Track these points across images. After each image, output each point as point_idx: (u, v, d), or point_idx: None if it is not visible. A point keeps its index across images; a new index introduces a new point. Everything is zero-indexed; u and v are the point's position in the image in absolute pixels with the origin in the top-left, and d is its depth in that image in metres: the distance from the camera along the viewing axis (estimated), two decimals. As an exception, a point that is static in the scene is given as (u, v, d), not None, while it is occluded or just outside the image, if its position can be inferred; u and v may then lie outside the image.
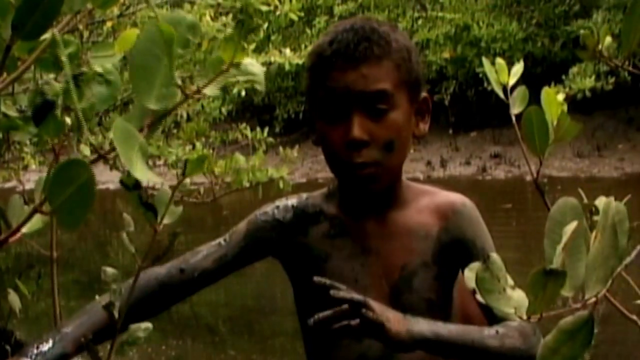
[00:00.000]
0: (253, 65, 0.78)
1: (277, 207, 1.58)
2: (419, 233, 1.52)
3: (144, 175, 0.69)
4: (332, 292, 1.31)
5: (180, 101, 0.77)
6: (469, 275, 0.66)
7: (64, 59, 0.71)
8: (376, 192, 1.47)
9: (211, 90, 0.76)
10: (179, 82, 0.76)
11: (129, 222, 0.96)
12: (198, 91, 0.76)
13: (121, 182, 0.80)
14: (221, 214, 10.58)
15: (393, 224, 1.53)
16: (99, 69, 0.90)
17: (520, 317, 0.63)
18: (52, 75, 1.03)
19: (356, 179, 1.45)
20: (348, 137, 1.42)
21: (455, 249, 1.51)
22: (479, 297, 0.64)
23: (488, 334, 1.39)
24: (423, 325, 1.34)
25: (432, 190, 1.57)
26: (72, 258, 8.84)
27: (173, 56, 0.75)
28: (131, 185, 0.80)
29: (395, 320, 1.31)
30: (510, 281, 0.63)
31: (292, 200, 1.58)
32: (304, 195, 1.61)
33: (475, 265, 0.65)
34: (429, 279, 1.51)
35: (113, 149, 0.72)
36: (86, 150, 1.11)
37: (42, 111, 0.93)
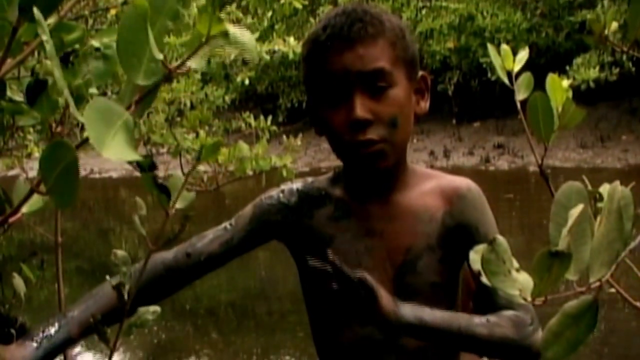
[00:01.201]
0: (243, 34, 0.76)
1: (283, 190, 1.59)
2: (423, 216, 1.52)
3: (117, 153, 0.68)
4: (329, 255, 1.32)
5: (165, 76, 0.75)
6: (474, 257, 0.66)
7: (44, 37, 0.70)
8: (383, 170, 1.47)
9: (196, 63, 0.74)
10: (162, 57, 0.74)
11: (141, 205, 0.96)
12: (181, 64, 0.75)
13: (137, 163, 0.79)
14: (224, 203, 10.58)
15: (397, 207, 1.53)
16: (96, 44, 0.89)
17: (525, 299, 0.63)
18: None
19: (363, 158, 1.45)
20: (351, 117, 1.42)
21: (459, 233, 1.51)
22: (484, 279, 0.64)
23: (477, 322, 1.39)
24: (408, 310, 1.34)
25: (437, 174, 1.57)
26: (75, 246, 8.85)
27: (159, 27, 0.74)
28: (146, 166, 0.80)
29: (387, 301, 1.32)
30: (516, 264, 0.63)
31: (297, 184, 1.59)
32: (310, 179, 1.61)
33: (481, 248, 0.65)
34: (433, 262, 1.51)
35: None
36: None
37: (35, 91, 0.93)
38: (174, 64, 0.76)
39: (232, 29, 0.77)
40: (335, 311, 1.51)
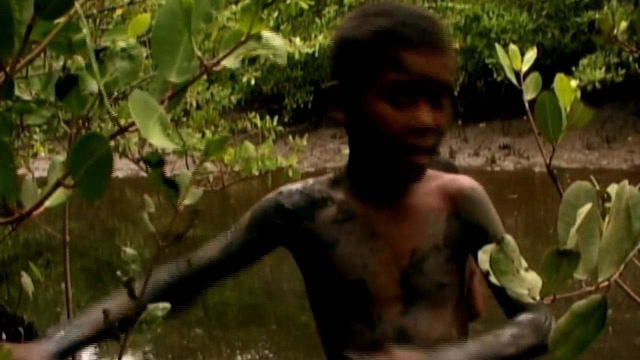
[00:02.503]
0: (274, 38, 0.78)
1: (281, 192, 1.56)
2: (428, 217, 1.51)
3: (161, 141, 0.70)
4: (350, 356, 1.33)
5: (201, 73, 0.77)
6: (483, 257, 0.66)
7: (85, 32, 0.71)
8: (420, 178, 1.46)
9: (231, 62, 0.76)
10: (200, 54, 0.76)
11: (150, 203, 0.96)
12: (217, 62, 0.76)
13: (145, 159, 0.80)
14: (230, 203, 10.59)
15: (402, 208, 1.52)
16: (122, 45, 0.90)
17: (534, 298, 0.63)
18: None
19: (410, 167, 1.43)
20: (419, 122, 1.39)
21: (466, 232, 1.50)
22: (492, 278, 0.64)
23: (504, 342, 1.38)
24: (443, 357, 1.34)
25: (437, 174, 1.55)
26: (81, 245, 8.87)
27: (193, 28, 0.76)
28: (154, 162, 0.81)
29: None
30: (524, 263, 0.63)
31: (296, 186, 1.56)
32: (310, 180, 1.59)
33: (489, 247, 0.65)
34: (440, 263, 1.50)
35: (133, 122, 0.73)
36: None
37: (66, 86, 0.93)
38: (210, 62, 0.78)
39: (265, 33, 0.78)
40: (344, 316, 1.51)
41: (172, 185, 0.84)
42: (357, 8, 1.58)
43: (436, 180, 1.54)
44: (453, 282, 1.52)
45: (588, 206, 0.59)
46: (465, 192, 1.53)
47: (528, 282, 0.62)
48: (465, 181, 1.56)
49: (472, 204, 1.52)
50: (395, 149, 1.41)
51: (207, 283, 1.57)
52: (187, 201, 0.86)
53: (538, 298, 0.63)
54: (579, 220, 0.59)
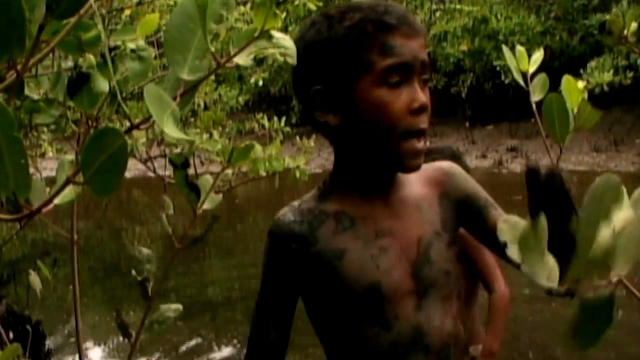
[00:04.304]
0: (284, 38, 0.79)
1: (280, 231, 1.51)
2: (422, 204, 1.52)
3: (175, 132, 0.71)
4: None
5: (214, 69, 0.78)
6: (504, 227, 0.66)
7: (100, 28, 0.72)
8: (417, 168, 1.48)
9: (243, 59, 0.77)
10: (213, 50, 0.78)
11: (169, 205, 0.97)
12: (230, 59, 0.77)
13: (170, 160, 0.81)
14: (236, 203, 10.61)
15: (397, 202, 1.52)
16: (132, 46, 0.91)
17: (549, 286, 0.64)
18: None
19: (411, 154, 1.43)
20: (417, 102, 1.41)
21: (459, 208, 1.53)
22: (510, 252, 0.64)
23: None
24: None
25: None
26: (88, 245, 8.90)
27: (207, 24, 0.77)
28: (179, 163, 0.81)
29: None
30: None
31: (289, 216, 1.52)
32: (295, 203, 1.55)
33: (510, 217, 0.66)
34: (443, 249, 1.51)
35: (146, 119, 0.73)
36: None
37: (77, 84, 0.94)
38: (223, 59, 0.79)
39: (276, 33, 0.80)
40: (358, 325, 1.50)
41: (194, 189, 0.85)
42: (311, 16, 1.58)
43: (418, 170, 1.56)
44: (455, 271, 1.53)
45: (628, 211, 0.59)
46: (446, 171, 1.56)
47: (549, 267, 0.62)
48: (442, 164, 1.60)
49: (455, 180, 1.55)
50: (397, 132, 1.42)
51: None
52: (207, 206, 0.87)
53: (555, 285, 0.63)
54: (616, 221, 0.59)
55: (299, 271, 1.51)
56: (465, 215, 1.53)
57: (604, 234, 0.60)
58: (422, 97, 1.41)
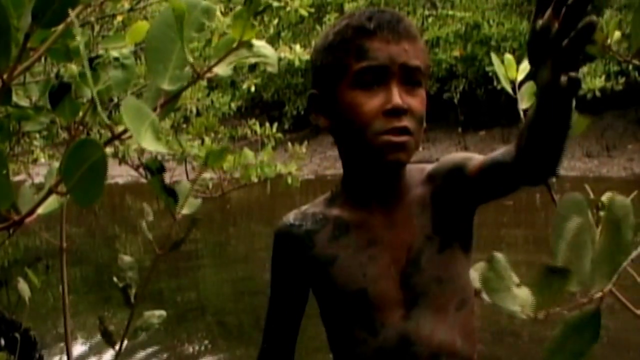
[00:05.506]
0: (265, 47, 0.79)
1: (281, 233, 1.63)
2: (416, 209, 1.53)
3: (153, 145, 0.72)
4: None
5: (193, 80, 0.78)
6: (473, 275, 0.66)
7: (79, 40, 0.72)
8: (402, 164, 1.48)
9: (223, 69, 0.77)
10: (192, 61, 0.78)
11: (149, 212, 0.97)
12: (209, 69, 0.77)
13: (145, 165, 0.81)
14: (229, 209, 10.60)
15: (395, 210, 1.54)
16: (115, 54, 0.91)
17: (528, 316, 0.64)
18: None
19: (389, 147, 1.43)
20: (390, 103, 1.43)
21: (446, 194, 1.52)
22: (484, 295, 0.64)
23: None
24: None
25: (410, 167, 1.57)
26: (80, 252, 8.87)
27: (185, 36, 0.77)
28: (155, 168, 0.82)
29: None
30: (515, 279, 0.63)
31: (290, 219, 1.62)
32: (304, 207, 1.64)
33: (480, 265, 0.65)
34: (434, 255, 1.51)
35: (126, 130, 0.74)
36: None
37: (59, 94, 0.94)
38: (202, 69, 0.79)
39: (256, 42, 0.80)
40: (349, 326, 1.54)
41: (171, 194, 0.85)
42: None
43: (420, 171, 1.58)
44: (451, 278, 1.52)
45: (577, 220, 0.59)
46: (433, 167, 1.57)
47: (520, 299, 0.62)
48: (427, 164, 1.61)
49: (438, 170, 1.56)
50: (368, 134, 1.44)
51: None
52: (185, 210, 0.87)
53: (532, 314, 0.63)
54: (568, 235, 0.59)
55: (301, 269, 1.60)
56: (452, 186, 1.52)
57: (565, 254, 0.60)
58: (397, 99, 1.43)
